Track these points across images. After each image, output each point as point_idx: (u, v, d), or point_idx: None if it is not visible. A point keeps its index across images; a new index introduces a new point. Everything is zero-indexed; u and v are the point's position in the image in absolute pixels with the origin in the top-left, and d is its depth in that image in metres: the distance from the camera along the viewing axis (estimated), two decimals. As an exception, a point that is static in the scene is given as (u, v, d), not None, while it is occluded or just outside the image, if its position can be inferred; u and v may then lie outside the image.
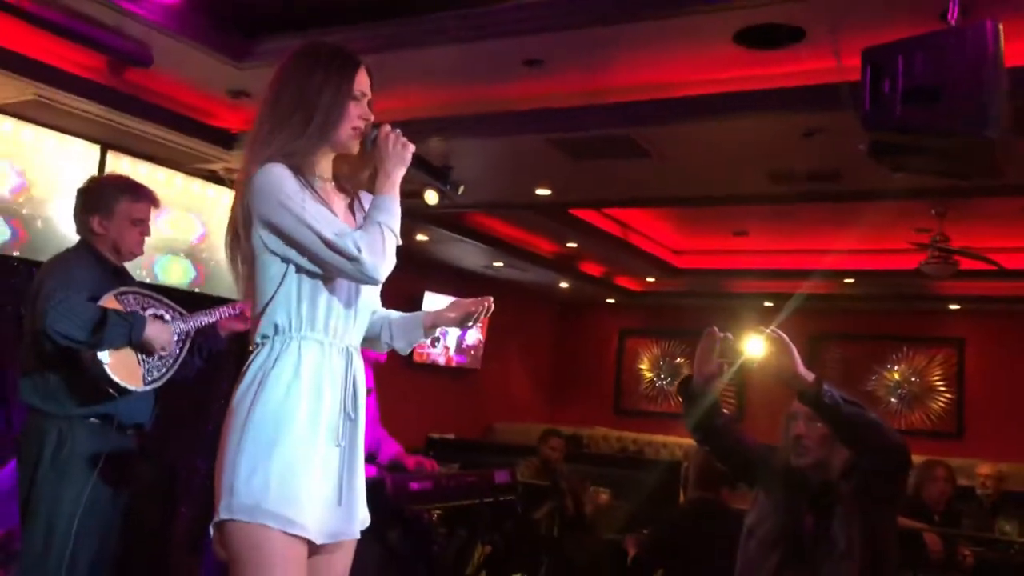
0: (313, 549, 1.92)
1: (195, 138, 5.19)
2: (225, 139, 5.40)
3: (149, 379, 2.88)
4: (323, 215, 1.93)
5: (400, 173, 2.04)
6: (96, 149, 5.46)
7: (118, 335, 2.76)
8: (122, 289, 2.90)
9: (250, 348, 2.01)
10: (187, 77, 4.82)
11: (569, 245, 8.80)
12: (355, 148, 2.08)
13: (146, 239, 3.11)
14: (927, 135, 3.11)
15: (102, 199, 3.04)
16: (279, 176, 1.92)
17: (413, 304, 9.41)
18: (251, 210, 1.93)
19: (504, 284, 10.47)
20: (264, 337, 1.96)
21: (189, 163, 5.69)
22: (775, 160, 5.11)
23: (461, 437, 9.60)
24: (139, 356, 2.86)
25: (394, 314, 2.27)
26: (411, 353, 9.40)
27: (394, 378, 9.28)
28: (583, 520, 6.29)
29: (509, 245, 8.53)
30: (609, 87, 4.51)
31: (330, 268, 1.93)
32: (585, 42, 4.09)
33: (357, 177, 2.14)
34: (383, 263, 1.94)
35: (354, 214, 2.13)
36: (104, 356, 2.74)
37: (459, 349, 10.43)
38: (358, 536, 2.03)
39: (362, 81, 2.05)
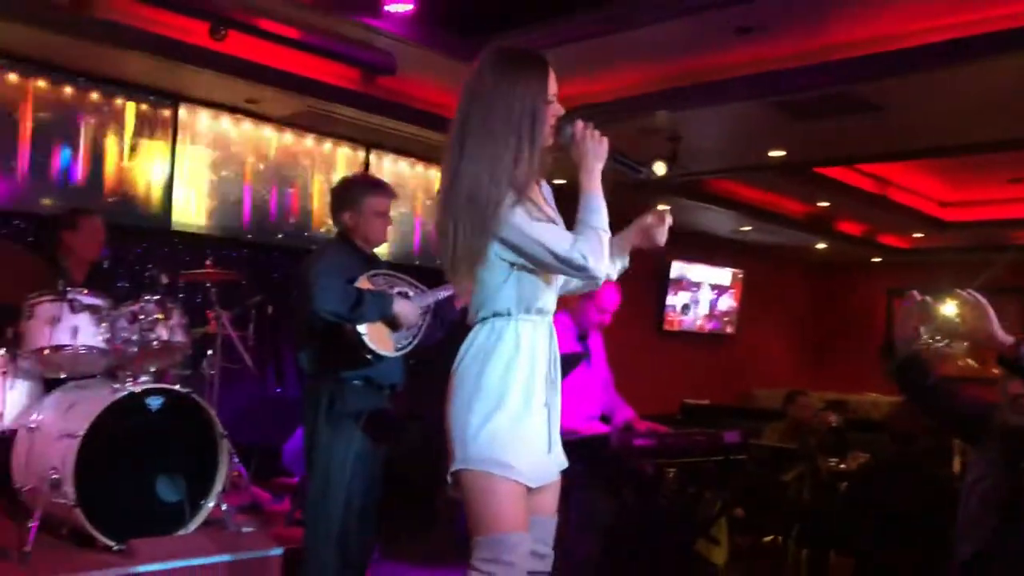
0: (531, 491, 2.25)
1: (442, 132, 5.70)
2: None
3: (398, 346, 3.36)
4: (552, 233, 2.14)
5: (599, 167, 2.18)
6: (362, 150, 6.20)
7: (373, 311, 3.24)
8: (373, 272, 3.39)
9: (468, 324, 2.34)
10: (430, 78, 5.34)
11: (820, 204, 8.55)
12: (550, 142, 2.25)
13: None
14: None
15: (350, 196, 3.51)
16: (509, 201, 2.10)
17: (661, 274, 9.62)
18: (488, 227, 2.13)
19: (755, 248, 10.34)
20: (485, 318, 2.26)
21: (439, 156, 6.27)
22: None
23: (717, 403, 9.64)
24: (390, 328, 3.35)
25: None
26: (662, 320, 9.53)
27: (646, 347, 9.55)
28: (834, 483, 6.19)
29: (755, 208, 8.44)
30: (826, 45, 4.45)
31: (560, 274, 2.20)
32: (796, 4, 4.09)
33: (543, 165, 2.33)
34: (603, 265, 2.15)
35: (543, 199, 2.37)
36: (362, 328, 3.25)
37: (712, 315, 10.44)
38: (557, 476, 2.32)
39: (552, 83, 2.19)
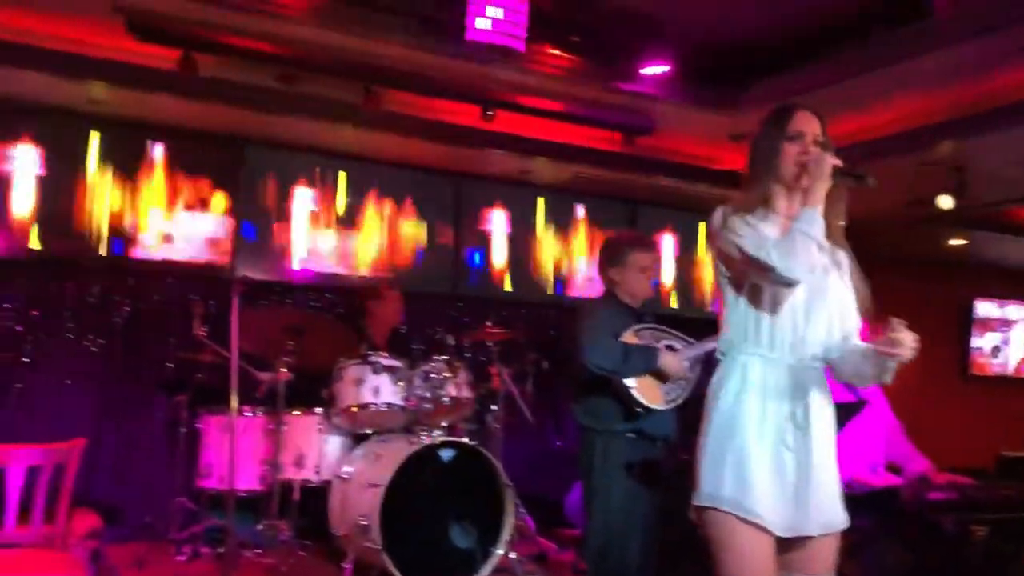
0: (784, 545, 2.20)
1: (703, 183, 5.75)
2: (731, 179, 5.90)
3: (668, 399, 3.42)
4: (751, 236, 2.22)
5: (822, 186, 2.22)
6: (629, 206, 6.40)
7: (639, 364, 3.34)
8: (638, 326, 3.50)
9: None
10: (687, 133, 5.42)
11: None
12: (804, 183, 2.29)
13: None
14: None
15: (616, 253, 3.66)
16: (722, 213, 2.30)
17: (963, 315, 8.83)
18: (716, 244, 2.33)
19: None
20: (722, 353, 2.34)
21: (703, 206, 6.30)
22: None
23: (1043, 455, 8.60)
24: (658, 381, 3.42)
25: (859, 347, 2.35)
26: (967, 365, 8.70)
27: (950, 394, 8.76)
28: None
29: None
30: None
31: (754, 277, 2.22)
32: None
33: (831, 221, 2.28)
34: (796, 266, 2.14)
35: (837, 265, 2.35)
36: (630, 381, 3.35)
37: (1028, 357, 9.39)
38: (816, 534, 2.24)
39: (798, 122, 2.31)
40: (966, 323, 8.94)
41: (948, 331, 8.92)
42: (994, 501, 3.89)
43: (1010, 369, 9.29)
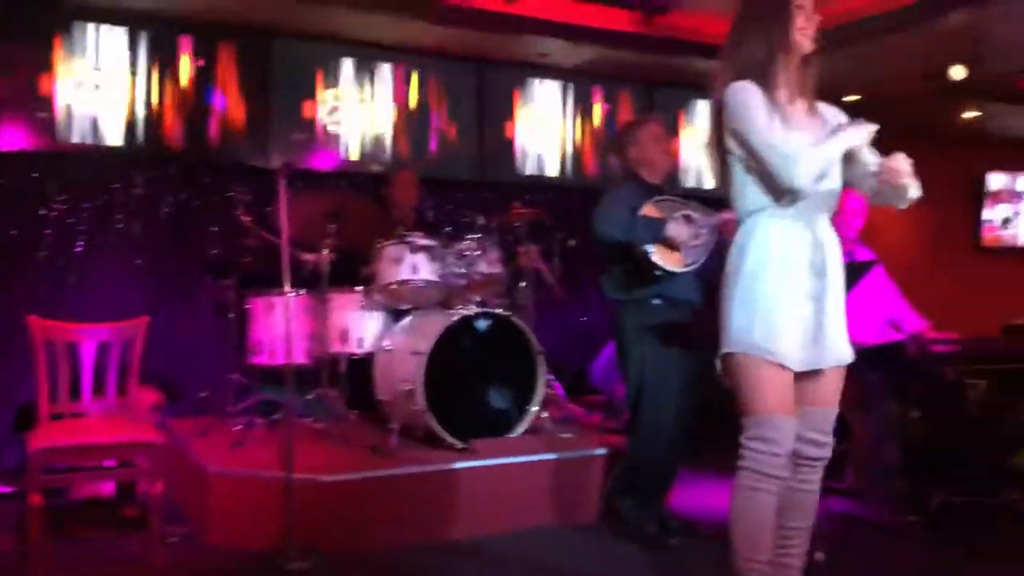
0: (799, 377, 2.48)
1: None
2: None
3: (686, 263, 3.64)
4: (770, 135, 2.38)
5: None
6: (644, 88, 6.54)
7: (646, 234, 3.54)
8: (658, 198, 3.70)
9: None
10: (705, 11, 5.49)
11: None
12: (808, 47, 2.50)
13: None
14: None
15: (629, 132, 3.89)
16: (744, 91, 2.44)
17: (976, 187, 8.95)
18: (725, 119, 2.49)
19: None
20: (741, 219, 2.56)
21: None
22: None
23: (1049, 325, 8.86)
24: (674, 248, 3.63)
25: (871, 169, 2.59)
26: (979, 237, 8.90)
27: (961, 265, 8.97)
28: None
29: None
30: None
31: (768, 171, 2.41)
32: None
33: (806, 82, 2.54)
34: (805, 174, 2.37)
35: (816, 116, 2.57)
36: (650, 248, 3.60)
37: (1038, 228, 9.54)
38: (831, 365, 2.51)
39: None
40: (978, 195, 9.08)
41: (961, 203, 9.07)
42: (992, 354, 4.17)
43: (1021, 240, 9.47)
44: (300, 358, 4.46)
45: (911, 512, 3.94)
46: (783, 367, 2.43)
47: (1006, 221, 9.30)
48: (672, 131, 6.20)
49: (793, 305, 2.45)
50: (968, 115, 7.67)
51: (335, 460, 3.93)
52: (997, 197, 9.17)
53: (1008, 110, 7.49)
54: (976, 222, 9.16)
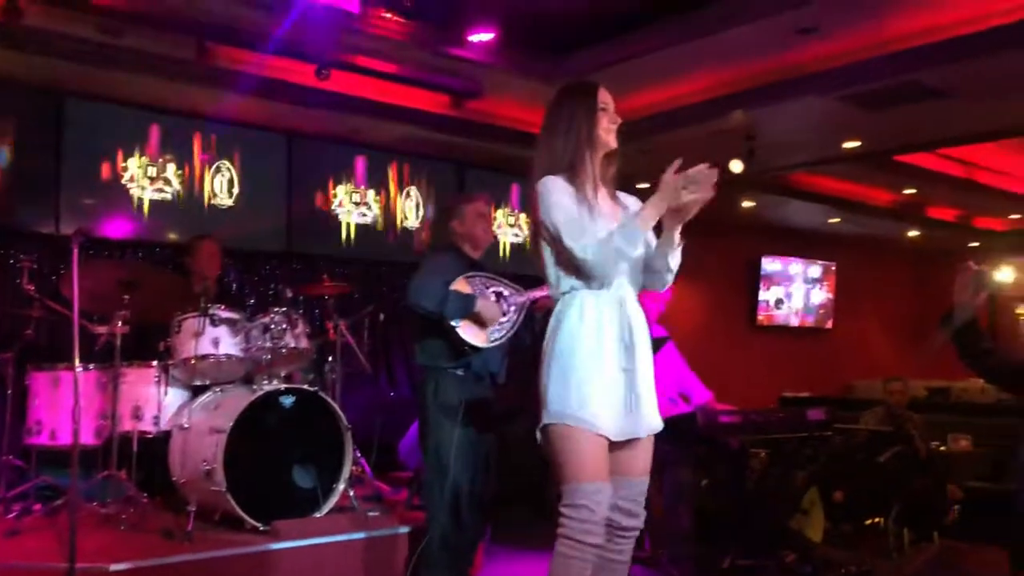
0: (614, 447, 2.60)
1: (527, 147, 6.12)
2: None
3: (491, 339, 3.74)
4: (574, 226, 2.54)
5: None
6: (454, 167, 6.72)
7: (456, 308, 3.64)
8: (470, 273, 3.81)
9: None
10: (514, 98, 5.77)
11: (907, 192, 8.61)
12: (612, 144, 2.71)
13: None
14: None
15: (454, 206, 4.01)
16: (552, 185, 2.59)
17: (752, 270, 9.78)
18: (538, 210, 2.64)
19: (847, 240, 10.38)
20: (556, 296, 2.69)
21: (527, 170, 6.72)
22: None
23: (816, 395, 9.70)
24: (481, 323, 3.74)
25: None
26: (754, 316, 9.63)
27: (739, 342, 9.73)
28: (934, 465, 6.28)
29: (841, 199, 8.56)
30: (885, 39, 4.68)
31: (576, 258, 2.55)
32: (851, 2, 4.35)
33: (607, 174, 2.73)
34: (604, 271, 2.54)
35: (619, 205, 2.76)
36: (456, 323, 3.68)
37: (806, 308, 10.52)
38: (643, 436, 2.65)
39: (603, 96, 2.69)
40: (754, 278, 9.93)
41: (739, 285, 9.88)
42: (770, 424, 4.52)
43: (791, 320, 10.39)
44: (88, 438, 4.16)
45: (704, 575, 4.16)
46: (600, 436, 2.54)
47: (779, 302, 10.21)
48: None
49: (607, 377, 2.58)
50: (746, 204, 8.42)
51: (124, 547, 3.65)
52: (771, 280, 10.05)
53: (780, 201, 8.30)
54: (752, 303, 9.98)
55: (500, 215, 7.24)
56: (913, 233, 10.38)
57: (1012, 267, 2.94)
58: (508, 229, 7.29)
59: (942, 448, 6.43)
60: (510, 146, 6.14)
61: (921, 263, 12.02)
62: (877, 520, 5.53)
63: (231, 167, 5.89)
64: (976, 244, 11.19)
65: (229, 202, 5.89)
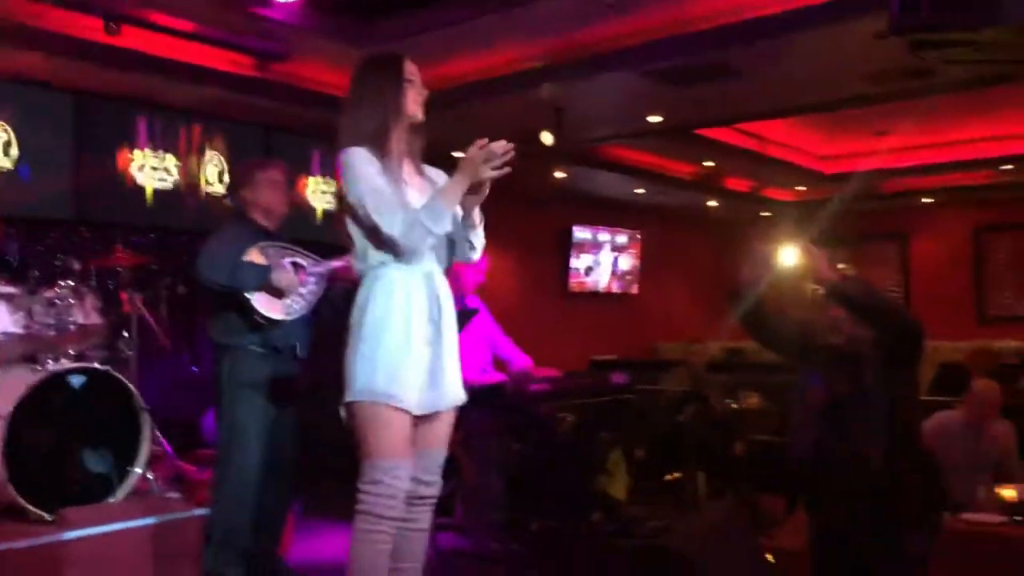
0: (416, 420, 2.59)
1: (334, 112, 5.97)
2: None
3: (288, 311, 3.60)
4: (381, 200, 2.51)
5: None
6: (260, 130, 6.46)
7: (250, 280, 3.48)
8: (264, 244, 3.64)
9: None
10: (321, 62, 5.60)
11: (706, 164, 9.08)
12: (419, 117, 2.68)
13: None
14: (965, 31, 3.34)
15: (247, 172, 3.80)
16: (357, 159, 2.55)
17: (563, 239, 10.05)
18: (344, 181, 2.59)
19: (652, 210, 10.85)
20: (364, 271, 2.64)
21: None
22: (866, 64, 5.29)
23: (624, 358, 10.13)
24: (278, 295, 3.56)
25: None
26: (567, 283, 9.92)
27: (553, 309, 10.00)
28: (728, 422, 6.70)
29: (646, 171, 8.92)
30: (685, 18, 4.89)
31: (381, 231, 2.53)
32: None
33: (413, 147, 2.71)
34: (412, 247, 2.53)
35: (425, 178, 2.73)
36: (251, 295, 3.50)
37: (615, 275, 10.94)
38: (447, 408, 2.67)
39: (410, 69, 2.66)
40: (566, 246, 10.21)
41: (551, 253, 10.13)
42: (578, 389, 4.68)
43: (600, 286, 10.78)
44: None
45: (513, 541, 4.26)
46: (404, 412, 2.53)
47: (588, 269, 10.55)
48: (291, 177, 6.21)
49: (414, 353, 2.57)
50: (558, 175, 8.61)
51: None
52: (581, 248, 10.38)
53: (589, 172, 8.54)
54: (564, 270, 10.27)
55: (313, 182, 7.04)
56: (712, 203, 10.97)
57: (797, 248, 3.16)
58: (322, 196, 7.10)
59: (734, 406, 6.90)
60: (318, 110, 5.96)
61: (720, 232, 12.74)
62: (677, 476, 5.88)
63: (6, 127, 5.37)
64: (768, 214, 11.99)
65: (7, 165, 5.40)
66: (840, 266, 3.36)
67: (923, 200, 10.71)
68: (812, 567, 3.25)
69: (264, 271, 3.51)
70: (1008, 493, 3.95)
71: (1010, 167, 9.04)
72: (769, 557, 3.70)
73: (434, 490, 2.70)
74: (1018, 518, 3.78)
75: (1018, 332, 9.56)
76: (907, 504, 3.04)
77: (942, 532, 3.21)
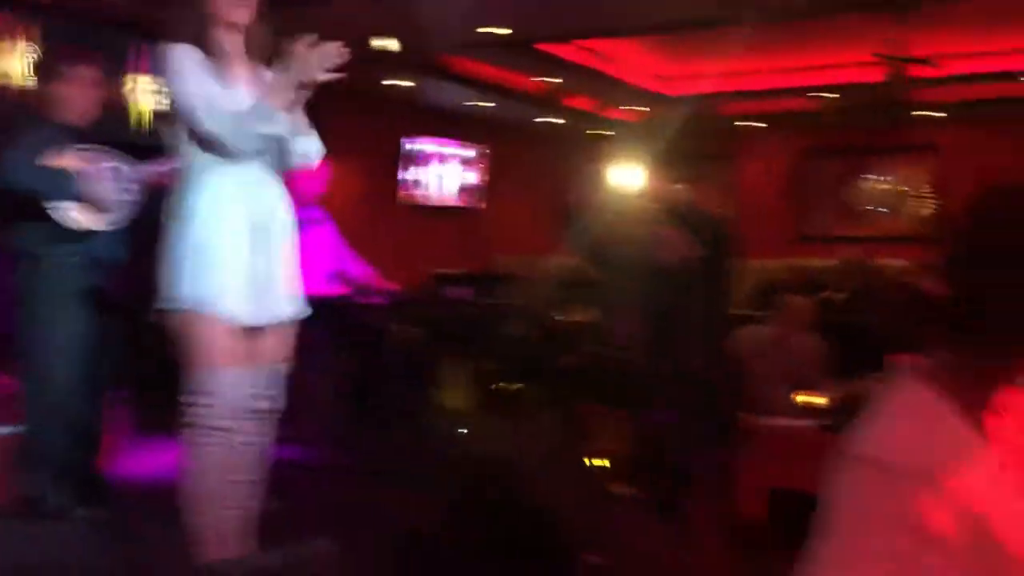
0: (247, 333, 2.51)
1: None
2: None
3: (110, 219, 3.41)
4: (208, 96, 2.41)
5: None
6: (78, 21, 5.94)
7: (61, 186, 3.24)
8: (81, 147, 3.38)
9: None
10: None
11: (550, 80, 9.09)
12: (243, 19, 2.54)
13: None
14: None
15: (53, 67, 3.51)
16: (180, 56, 2.43)
17: (398, 151, 9.87)
18: (166, 78, 2.46)
19: (499, 125, 10.82)
20: (185, 176, 2.51)
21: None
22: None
23: (468, 271, 10.17)
24: (95, 202, 3.33)
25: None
26: (407, 194, 9.76)
27: (395, 220, 9.87)
28: (557, 335, 6.90)
29: (490, 84, 8.84)
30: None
31: (204, 130, 2.44)
32: None
33: (248, 48, 2.61)
34: (238, 147, 2.44)
35: (259, 80, 2.60)
36: (68, 203, 3.27)
37: (457, 189, 10.89)
38: (280, 321, 2.61)
39: None
40: (408, 158, 10.06)
41: (391, 165, 9.96)
42: (418, 303, 4.71)
43: (438, 199, 10.69)
44: None
45: (349, 454, 4.28)
46: (229, 321, 2.46)
47: (431, 182, 10.43)
48: (110, 74, 5.77)
49: (239, 261, 2.49)
50: (402, 84, 8.39)
51: None
52: (426, 159, 10.24)
53: (430, 84, 8.37)
54: (405, 182, 10.14)
55: (139, 80, 6.56)
56: (558, 120, 11.03)
57: (637, 168, 3.24)
58: (151, 96, 6.64)
59: (564, 319, 7.10)
60: (143, 2, 5.53)
61: (564, 151, 12.86)
62: (518, 387, 6.04)
63: None
64: (611, 133, 12.20)
65: None
66: (676, 186, 3.49)
67: (753, 124, 11.16)
68: (631, 470, 3.44)
69: (72, 180, 3.26)
70: (818, 400, 4.17)
71: (835, 95, 9.53)
72: (593, 462, 3.88)
73: (269, 404, 2.66)
74: (827, 423, 4.06)
75: (833, 251, 10.24)
76: (719, 410, 3.26)
77: (750, 435, 3.46)
